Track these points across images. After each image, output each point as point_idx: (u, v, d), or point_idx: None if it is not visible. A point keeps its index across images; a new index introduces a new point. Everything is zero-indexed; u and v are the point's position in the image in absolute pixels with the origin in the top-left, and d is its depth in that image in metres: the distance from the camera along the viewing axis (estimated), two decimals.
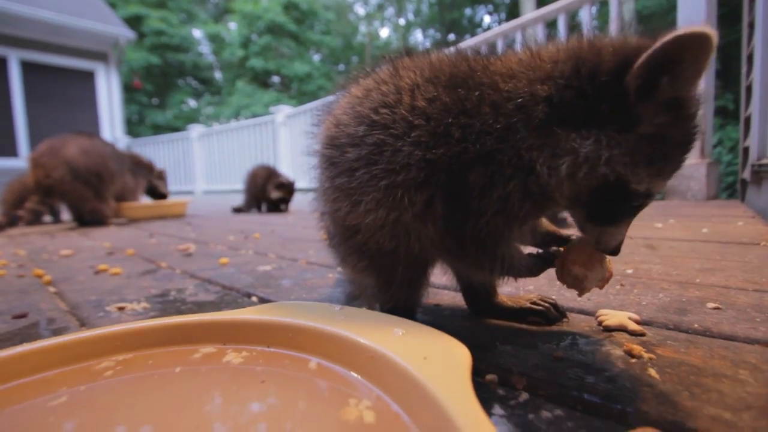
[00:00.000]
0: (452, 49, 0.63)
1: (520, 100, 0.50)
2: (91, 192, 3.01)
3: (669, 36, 0.40)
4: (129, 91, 16.11)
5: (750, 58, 2.44)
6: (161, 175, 3.84)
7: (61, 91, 8.63)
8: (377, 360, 0.40)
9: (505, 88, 0.52)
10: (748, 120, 2.44)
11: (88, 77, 9.11)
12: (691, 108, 0.47)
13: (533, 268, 0.62)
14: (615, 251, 0.56)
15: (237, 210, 4.00)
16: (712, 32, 0.38)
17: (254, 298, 0.96)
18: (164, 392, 0.44)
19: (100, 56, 9.22)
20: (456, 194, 0.53)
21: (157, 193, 3.87)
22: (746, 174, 2.41)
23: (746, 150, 2.48)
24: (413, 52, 0.64)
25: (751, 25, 2.39)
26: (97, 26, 8.79)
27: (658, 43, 0.41)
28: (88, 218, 3.04)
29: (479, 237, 0.54)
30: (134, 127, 17.65)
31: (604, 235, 0.55)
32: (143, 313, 0.88)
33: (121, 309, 0.91)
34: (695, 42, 0.39)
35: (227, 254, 1.59)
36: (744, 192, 2.55)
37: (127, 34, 9.40)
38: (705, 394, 0.45)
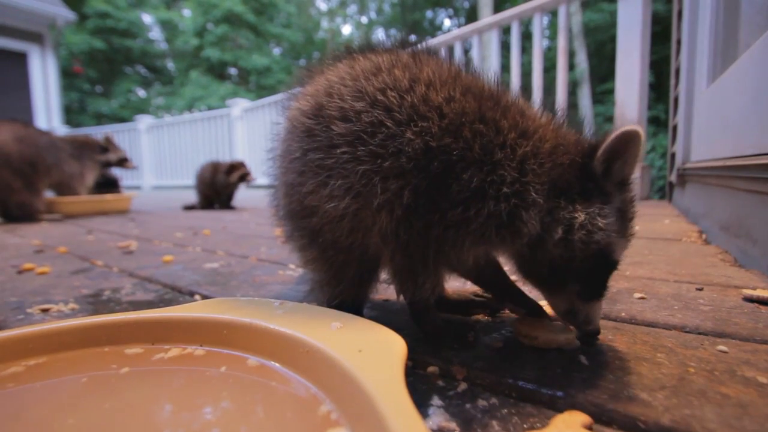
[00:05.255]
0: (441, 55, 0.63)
1: (542, 155, 0.53)
2: (21, 183, 2.73)
3: (618, 131, 0.51)
4: (69, 76, 14.83)
5: (677, 72, 2.67)
6: (110, 142, 3.49)
7: None
8: (312, 355, 0.39)
9: (531, 127, 0.54)
10: (675, 128, 2.67)
11: (20, 59, 8.29)
12: (632, 191, 0.57)
13: (439, 325, 0.62)
14: (599, 328, 0.57)
15: (189, 208, 3.81)
16: (642, 130, 0.51)
17: (197, 297, 0.91)
18: (88, 401, 0.40)
19: (35, 37, 8.43)
20: (437, 185, 0.51)
21: (110, 180, 3.60)
22: (673, 177, 2.64)
23: (673, 155, 2.71)
24: (434, 52, 0.63)
25: (679, 42, 2.62)
26: (30, 3, 8.01)
27: (611, 136, 0.52)
28: (15, 212, 2.76)
29: (437, 236, 0.53)
30: (74, 115, 16.25)
31: (592, 311, 0.56)
32: (71, 314, 0.81)
33: (45, 311, 0.83)
34: (634, 136, 0.51)
35: (172, 251, 1.50)
36: (671, 193, 2.79)
37: (65, 14, 8.66)
38: (626, 377, 0.49)
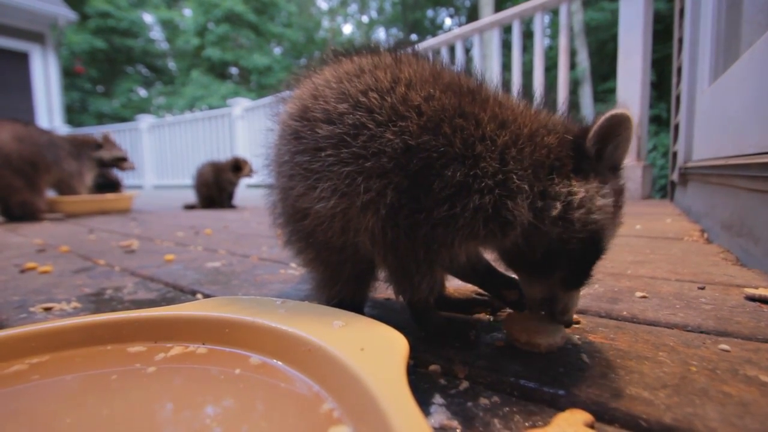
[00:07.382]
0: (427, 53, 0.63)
1: (522, 140, 0.52)
2: (22, 182, 2.74)
3: (607, 114, 0.51)
4: (70, 76, 14.86)
5: (679, 70, 2.66)
6: (107, 140, 3.43)
7: None
8: (315, 353, 0.39)
9: (511, 117, 0.53)
10: (676, 127, 2.67)
11: (22, 59, 8.31)
12: (623, 180, 0.56)
13: (440, 324, 0.62)
14: (572, 320, 0.58)
15: (190, 207, 3.82)
16: (632, 113, 0.50)
17: (199, 296, 0.92)
18: (90, 399, 0.40)
19: (36, 37, 8.45)
20: (420, 183, 0.51)
21: (111, 182, 3.61)
22: (674, 176, 2.64)
23: (675, 154, 2.71)
24: (418, 52, 0.63)
25: (681, 41, 2.61)
26: (32, 3, 8.03)
27: (602, 118, 0.51)
28: (17, 212, 2.77)
29: (425, 235, 0.52)
30: (76, 115, 16.27)
31: (571, 300, 0.56)
32: (73, 313, 0.82)
33: (47, 309, 0.83)
34: (623, 119, 0.50)
35: (174, 251, 1.50)
36: (673, 192, 2.78)
37: (67, 14, 8.68)
38: (628, 376, 0.49)
